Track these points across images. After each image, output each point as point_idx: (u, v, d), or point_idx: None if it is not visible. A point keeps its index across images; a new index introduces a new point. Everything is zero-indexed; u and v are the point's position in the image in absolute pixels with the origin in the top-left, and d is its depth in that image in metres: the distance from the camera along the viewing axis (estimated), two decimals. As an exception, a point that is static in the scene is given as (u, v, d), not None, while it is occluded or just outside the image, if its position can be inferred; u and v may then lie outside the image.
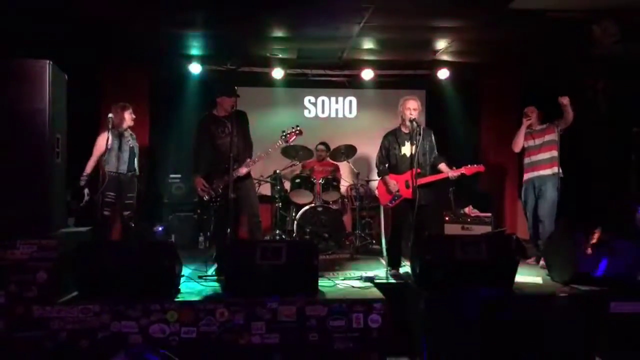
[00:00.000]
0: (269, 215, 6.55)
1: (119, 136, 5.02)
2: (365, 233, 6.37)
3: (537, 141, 5.17)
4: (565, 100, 4.94)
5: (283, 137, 4.65)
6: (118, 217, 5.14)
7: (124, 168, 5.01)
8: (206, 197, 4.54)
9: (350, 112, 7.73)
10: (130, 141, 5.11)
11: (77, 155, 4.99)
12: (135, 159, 5.16)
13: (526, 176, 5.25)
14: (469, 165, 4.55)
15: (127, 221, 5.08)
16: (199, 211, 6.38)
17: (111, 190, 4.91)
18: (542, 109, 5.30)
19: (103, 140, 4.95)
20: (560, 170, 4.98)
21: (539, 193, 5.10)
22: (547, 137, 5.11)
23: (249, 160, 4.55)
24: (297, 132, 4.66)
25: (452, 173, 4.49)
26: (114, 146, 4.94)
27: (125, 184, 5.03)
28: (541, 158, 5.13)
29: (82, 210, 4.95)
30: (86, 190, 4.97)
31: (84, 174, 5.00)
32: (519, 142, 5.25)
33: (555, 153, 5.02)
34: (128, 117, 5.08)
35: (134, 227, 5.13)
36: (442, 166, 4.59)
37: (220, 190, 4.50)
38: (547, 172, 5.06)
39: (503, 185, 7.29)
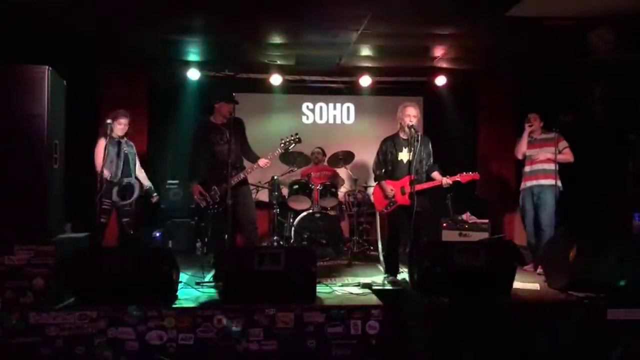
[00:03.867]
0: (267, 221, 6.54)
1: (115, 143, 5.02)
2: (363, 239, 6.37)
3: (538, 151, 5.16)
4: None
5: (282, 144, 4.66)
6: (114, 224, 5.12)
7: (119, 175, 5.00)
8: (203, 204, 4.54)
9: (348, 119, 7.75)
10: (126, 148, 5.09)
11: (76, 161, 4.99)
12: (131, 166, 5.14)
13: (524, 184, 5.24)
14: (464, 173, 4.57)
15: (125, 228, 5.06)
16: (196, 218, 6.38)
17: (108, 198, 4.90)
18: (539, 116, 5.30)
19: (100, 148, 4.95)
20: (560, 183, 4.97)
21: (537, 202, 5.10)
22: (548, 149, 5.09)
23: (249, 168, 4.57)
24: (296, 140, 4.68)
25: (446, 180, 4.50)
26: (110, 154, 4.94)
27: (122, 191, 5.00)
28: (541, 168, 5.12)
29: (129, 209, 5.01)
30: (136, 186, 5.01)
31: (112, 180, 4.94)
32: (522, 149, 5.23)
33: (555, 166, 5.00)
34: (117, 128, 5.01)
35: (132, 234, 5.10)
36: (436, 174, 4.60)
37: (217, 197, 4.50)
38: (547, 182, 5.05)
39: (501, 192, 7.30)
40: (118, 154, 5.00)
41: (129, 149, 5.16)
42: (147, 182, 5.42)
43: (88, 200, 4.91)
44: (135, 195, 5.09)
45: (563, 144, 5.11)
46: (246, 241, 4.56)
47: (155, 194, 5.54)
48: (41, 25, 5.09)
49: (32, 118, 3.44)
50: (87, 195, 4.94)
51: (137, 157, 5.33)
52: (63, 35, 5.38)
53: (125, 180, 5.04)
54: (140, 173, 5.39)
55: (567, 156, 5.10)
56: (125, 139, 5.14)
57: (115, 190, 4.94)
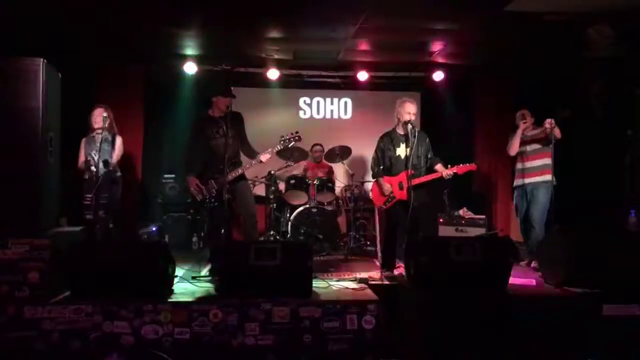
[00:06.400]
0: (263, 216, 6.53)
1: (92, 139, 5.01)
2: (360, 234, 6.37)
3: (529, 147, 5.15)
4: (549, 124, 4.80)
5: (281, 142, 4.65)
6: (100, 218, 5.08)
7: (96, 170, 4.88)
8: (199, 197, 4.52)
9: (346, 114, 7.73)
10: (102, 142, 4.92)
11: (71, 154, 4.97)
12: (107, 159, 4.96)
13: (517, 182, 5.23)
14: (461, 165, 4.59)
15: (102, 222, 4.94)
16: (191, 211, 6.37)
17: (88, 193, 4.85)
18: (536, 112, 5.28)
19: (82, 144, 5.06)
20: (554, 179, 4.93)
21: (530, 198, 5.09)
22: (539, 144, 5.07)
23: (247, 163, 4.55)
24: (296, 138, 4.67)
25: (446, 172, 4.52)
26: (86, 149, 4.99)
27: (100, 186, 4.86)
28: (533, 165, 5.10)
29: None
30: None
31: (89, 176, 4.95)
32: (515, 146, 5.16)
33: (547, 161, 4.95)
34: (98, 119, 4.98)
35: (112, 228, 5.03)
36: (438, 166, 4.64)
37: (214, 191, 4.49)
38: (539, 179, 5.03)
39: (497, 187, 7.31)
40: (93, 149, 4.96)
41: (104, 144, 4.97)
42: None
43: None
44: (113, 189, 5.03)
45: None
46: (246, 236, 4.54)
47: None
48: (37, 17, 5.05)
49: (27, 111, 3.42)
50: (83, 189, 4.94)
51: (115, 147, 5.10)
52: (58, 28, 5.34)
53: (102, 174, 4.92)
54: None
55: (556, 132, 4.85)
56: (105, 133, 4.98)
57: None
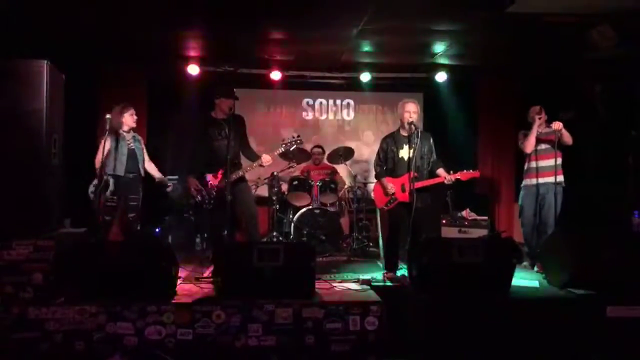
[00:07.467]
0: (266, 217, 6.54)
1: (117, 138, 4.97)
2: (363, 235, 6.36)
3: (539, 146, 5.05)
4: (557, 126, 4.75)
5: (283, 145, 4.66)
6: (117, 221, 5.07)
7: (121, 170, 4.89)
8: (198, 199, 4.53)
9: (348, 115, 7.74)
10: (131, 143, 5.00)
11: (74, 156, 4.98)
12: (139, 161, 5.03)
13: (530, 181, 5.10)
14: (465, 171, 4.56)
15: (131, 224, 4.97)
16: (191, 212, 6.37)
17: (111, 194, 4.81)
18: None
19: (100, 145, 4.89)
20: (563, 179, 4.88)
21: (542, 201, 4.97)
22: (550, 144, 4.96)
23: (248, 166, 4.56)
24: (298, 142, 4.67)
25: (449, 177, 4.50)
26: (111, 149, 4.89)
27: (125, 187, 4.91)
28: (545, 164, 5.00)
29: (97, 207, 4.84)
30: (111, 180, 4.81)
31: (104, 173, 4.82)
32: (531, 143, 5.02)
33: (558, 160, 4.87)
34: (129, 119, 4.97)
35: (139, 229, 5.03)
36: (440, 171, 4.60)
37: (213, 193, 4.50)
38: (551, 179, 4.87)
39: (500, 189, 7.30)
40: (118, 150, 4.94)
41: (135, 143, 5.04)
42: (157, 174, 5.31)
43: (87, 195, 4.91)
44: (107, 192, 4.86)
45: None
46: (247, 237, 4.55)
47: (169, 183, 5.48)
48: (40, 18, 5.07)
49: (30, 113, 3.43)
50: (87, 190, 4.93)
51: (144, 151, 5.22)
52: (62, 30, 5.36)
53: (129, 175, 4.95)
54: (150, 165, 5.28)
55: (566, 138, 4.88)
56: (131, 133, 5.04)
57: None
